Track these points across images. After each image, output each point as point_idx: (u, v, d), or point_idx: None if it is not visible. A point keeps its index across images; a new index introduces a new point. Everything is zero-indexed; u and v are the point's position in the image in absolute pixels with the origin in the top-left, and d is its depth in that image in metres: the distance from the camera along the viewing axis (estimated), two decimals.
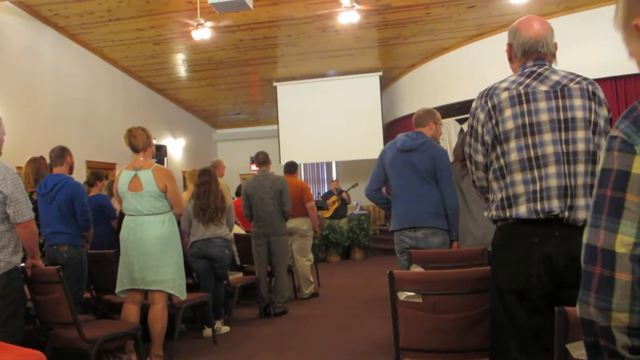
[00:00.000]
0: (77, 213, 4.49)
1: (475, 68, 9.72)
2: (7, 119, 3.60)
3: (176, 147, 13.40)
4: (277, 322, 5.95)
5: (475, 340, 2.34)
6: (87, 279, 4.73)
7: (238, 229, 6.85)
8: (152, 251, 4.16)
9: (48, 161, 4.79)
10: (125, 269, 4.24)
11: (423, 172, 3.94)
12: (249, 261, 6.44)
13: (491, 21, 9.46)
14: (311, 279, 7.21)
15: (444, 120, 10.90)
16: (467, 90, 9.69)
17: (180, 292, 4.33)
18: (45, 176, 4.64)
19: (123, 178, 4.24)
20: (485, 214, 2.27)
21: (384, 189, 4.30)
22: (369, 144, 11.49)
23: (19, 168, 4.79)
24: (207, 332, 5.26)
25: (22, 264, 3.42)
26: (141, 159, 4.27)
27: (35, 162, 4.91)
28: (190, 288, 5.59)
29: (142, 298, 4.32)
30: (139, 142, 4.25)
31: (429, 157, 3.94)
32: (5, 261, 3.21)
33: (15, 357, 2.91)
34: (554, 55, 2.24)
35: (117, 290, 4.31)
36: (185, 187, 7.77)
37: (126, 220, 4.28)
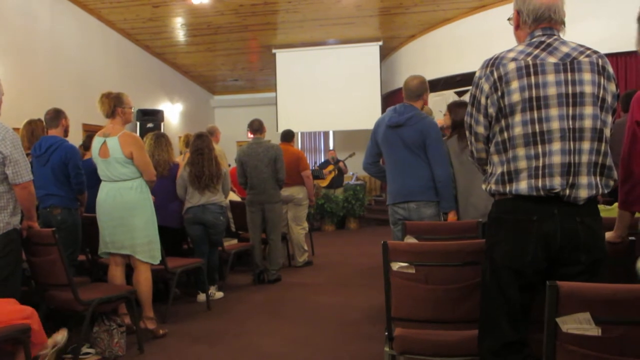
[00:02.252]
0: (70, 176, 4.48)
1: (477, 40, 9.63)
2: (2, 80, 3.56)
3: (173, 112, 13.29)
4: (270, 289, 6.00)
5: (465, 311, 2.36)
6: (82, 241, 4.75)
7: (234, 196, 6.86)
8: (120, 216, 4.20)
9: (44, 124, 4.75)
10: (101, 233, 4.32)
11: (412, 146, 3.93)
12: (244, 228, 6.47)
13: None
14: (305, 248, 7.26)
15: (443, 92, 10.94)
16: (468, 63, 9.62)
17: (150, 257, 4.31)
18: (40, 138, 4.61)
19: (94, 144, 4.27)
20: (483, 186, 2.22)
21: (380, 161, 4.30)
22: (367, 114, 11.39)
23: (15, 129, 4.75)
24: (201, 297, 5.32)
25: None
26: (111, 125, 4.27)
27: (31, 125, 4.88)
28: (185, 253, 5.65)
29: (124, 260, 4.37)
30: (103, 108, 4.25)
31: (417, 131, 3.92)
32: (5, 222, 3.22)
33: (9, 311, 2.95)
34: (564, 24, 2.15)
35: (99, 252, 4.39)
36: (180, 152, 7.73)
37: (100, 186, 4.33)
